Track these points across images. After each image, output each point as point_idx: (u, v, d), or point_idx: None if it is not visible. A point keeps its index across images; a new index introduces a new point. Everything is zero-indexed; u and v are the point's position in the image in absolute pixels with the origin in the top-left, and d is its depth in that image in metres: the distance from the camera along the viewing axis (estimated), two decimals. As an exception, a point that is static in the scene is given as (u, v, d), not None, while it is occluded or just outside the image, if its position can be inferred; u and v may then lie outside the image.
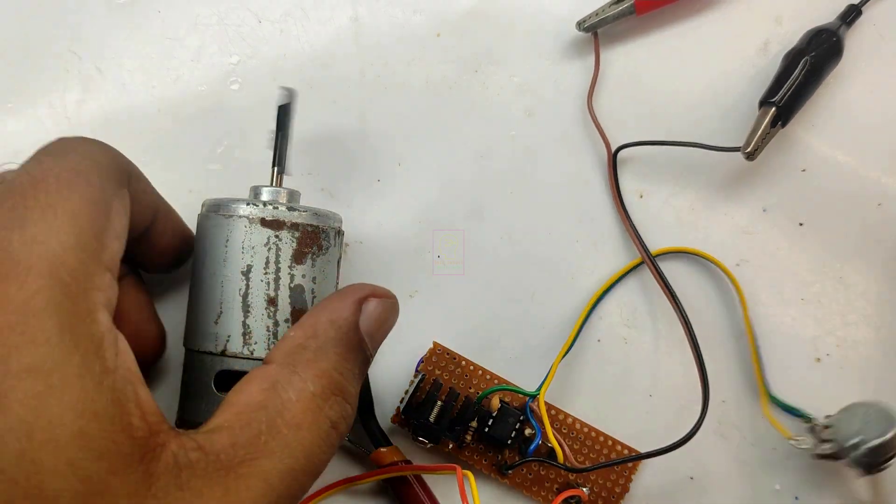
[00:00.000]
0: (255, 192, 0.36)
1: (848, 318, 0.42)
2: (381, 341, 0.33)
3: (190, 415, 0.34)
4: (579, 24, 0.42)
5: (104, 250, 0.26)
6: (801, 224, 0.42)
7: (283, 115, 0.36)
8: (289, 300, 0.33)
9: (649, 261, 0.40)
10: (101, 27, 0.42)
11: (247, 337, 0.33)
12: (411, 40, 0.43)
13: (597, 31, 0.42)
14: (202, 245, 0.35)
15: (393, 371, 0.41)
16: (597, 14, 0.41)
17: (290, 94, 0.36)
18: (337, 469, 0.40)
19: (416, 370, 0.40)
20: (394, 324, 0.33)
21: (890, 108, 0.43)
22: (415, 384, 0.39)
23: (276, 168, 0.36)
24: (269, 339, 0.33)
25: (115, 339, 0.26)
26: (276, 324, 0.33)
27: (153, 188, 0.34)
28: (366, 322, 0.31)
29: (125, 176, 0.30)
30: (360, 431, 0.40)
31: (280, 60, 0.42)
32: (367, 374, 0.40)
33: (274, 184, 0.36)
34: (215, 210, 0.34)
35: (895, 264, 0.42)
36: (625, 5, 0.41)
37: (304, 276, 0.34)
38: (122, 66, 0.42)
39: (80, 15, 0.42)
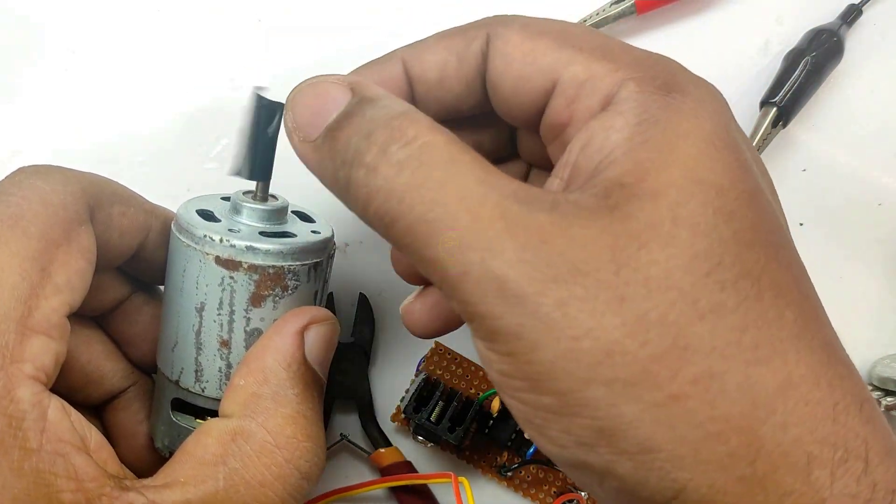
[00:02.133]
0: (235, 207, 0.32)
1: (848, 318, 0.42)
2: (329, 363, 0.31)
3: (150, 430, 0.34)
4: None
5: (34, 312, 0.25)
6: (801, 224, 0.42)
7: (266, 113, 0.30)
8: (244, 344, 0.30)
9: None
10: (101, 27, 0.42)
11: (198, 374, 0.31)
12: (412, 40, 0.43)
13: None
14: (167, 264, 0.32)
15: (393, 371, 0.41)
16: (597, 14, 0.41)
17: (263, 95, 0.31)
18: (336, 469, 0.40)
19: (418, 370, 0.40)
20: (336, 342, 0.32)
21: (890, 107, 0.43)
22: (416, 384, 0.39)
23: (260, 181, 0.32)
24: (220, 379, 0.31)
25: (43, 412, 0.25)
26: (229, 366, 0.31)
27: (143, 206, 0.31)
28: (312, 352, 0.30)
29: (85, 210, 0.28)
30: (360, 432, 0.40)
31: (280, 59, 0.42)
32: (367, 375, 0.40)
33: (258, 195, 0.32)
34: (179, 229, 0.31)
35: (895, 264, 0.42)
36: (625, 5, 0.41)
37: (262, 319, 0.30)
38: (121, 65, 0.42)
39: (80, 15, 0.42)
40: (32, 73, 0.42)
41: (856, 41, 0.42)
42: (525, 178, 0.32)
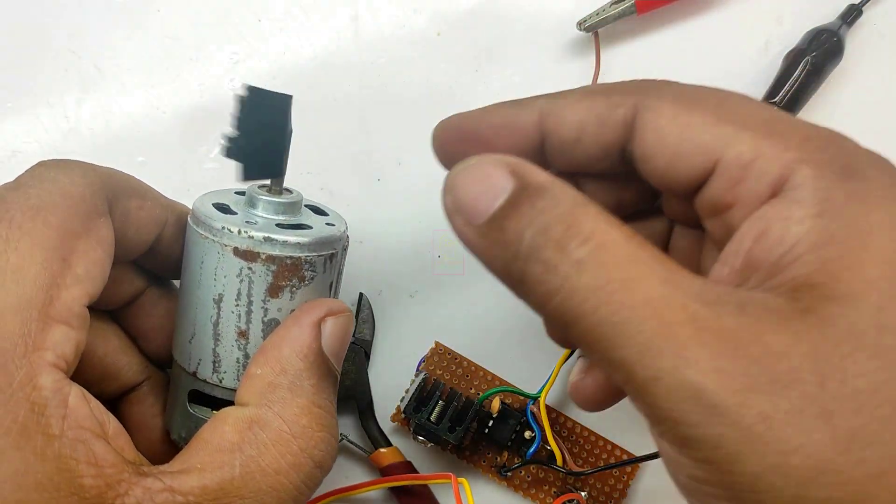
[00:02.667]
0: (251, 200, 0.32)
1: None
2: (344, 355, 0.32)
3: (166, 422, 0.34)
4: (580, 24, 0.41)
5: (55, 302, 0.25)
6: (801, 224, 0.42)
7: (283, 111, 0.31)
8: (261, 334, 0.31)
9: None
10: (101, 27, 0.42)
11: (216, 365, 0.31)
12: (411, 39, 0.43)
13: (597, 31, 0.42)
14: (184, 257, 0.32)
15: (393, 371, 0.41)
16: (597, 14, 0.41)
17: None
18: (336, 469, 0.40)
19: (418, 370, 0.40)
20: (351, 334, 0.32)
21: (890, 108, 0.43)
22: (416, 383, 0.39)
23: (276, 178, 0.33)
24: (238, 370, 0.31)
25: (64, 399, 0.25)
26: (247, 356, 0.31)
27: (159, 200, 0.32)
28: (328, 344, 0.30)
29: (104, 203, 0.29)
30: (360, 432, 0.40)
31: (280, 59, 0.42)
32: (367, 375, 0.40)
33: (273, 188, 0.33)
34: (196, 222, 0.31)
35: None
36: (626, 5, 0.41)
37: (279, 309, 0.31)
38: (121, 65, 0.42)
39: (80, 15, 0.42)
40: (32, 73, 0.42)
41: (856, 41, 0.42)
42: (668, 234, 0.30)
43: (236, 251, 0.30)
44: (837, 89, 0.42)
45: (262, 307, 0.31)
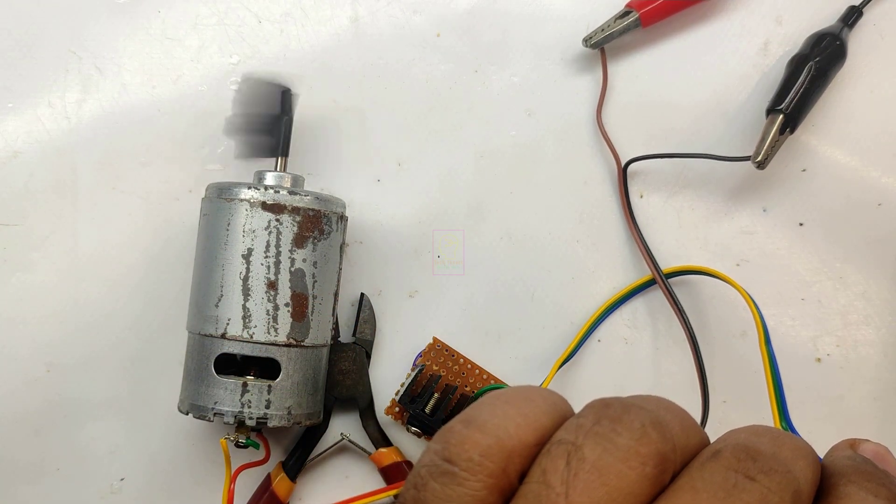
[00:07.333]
0: (259, 176, 0.36)
1: (848, 318, 0.42)
2: None
3: (191, 397, 0.35)
4: (586, 41, 0.41)
5: None
6: (801, 224, 0.42)
7: (287, 99, 0.37)
8: (289, 284, 0.34)
9: (661, 281, 0.39)
10: (102, 27, 0.42)
11: (246, 320, 0.34)
12: (411, 40, 0.43)
13: (603, 48, 0.42)
14: (205, 229, 0.35)
15: (393, 370, 0.41)
16: (602, 30, 0.41)
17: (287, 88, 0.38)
18: (336, 469, 0.40)
19: (415, 363, 0.40)
20: None
21: (890, 108, 0.43)
22: (412, 376, 0.39)
23: (280, 152, 0.37)
24: (268, 322, 0.34)
25: None
26: (276, 308, 0.34)
27: None
28: None
29: None
30: (360, 432, 0.40)
31: (280, 61, 0.42)
32: (367, 375, 0.40)
33: (278, 168, 0.37)
34: (217, 194, 0.35)
35: (895, 264, 0.42)
36: (630, 19, 0.41)
37: (304, 260, 0.34)
38: (122, 66, 0.42)
39: (81, 15, 0.42)
40: (33, 74, 0.42)
41: (856, 42, 0.42)
42: None
43: (265, 205, 0.34)
44: (837, 90, 0.42)
45: (290, 257, 0.34)
